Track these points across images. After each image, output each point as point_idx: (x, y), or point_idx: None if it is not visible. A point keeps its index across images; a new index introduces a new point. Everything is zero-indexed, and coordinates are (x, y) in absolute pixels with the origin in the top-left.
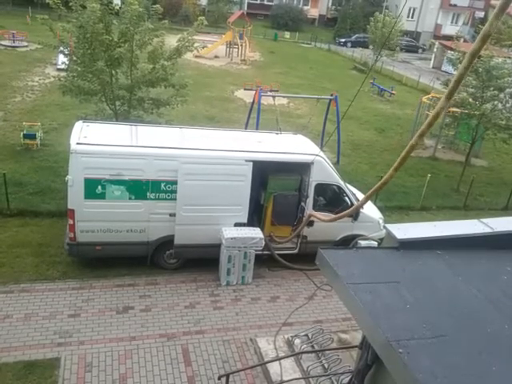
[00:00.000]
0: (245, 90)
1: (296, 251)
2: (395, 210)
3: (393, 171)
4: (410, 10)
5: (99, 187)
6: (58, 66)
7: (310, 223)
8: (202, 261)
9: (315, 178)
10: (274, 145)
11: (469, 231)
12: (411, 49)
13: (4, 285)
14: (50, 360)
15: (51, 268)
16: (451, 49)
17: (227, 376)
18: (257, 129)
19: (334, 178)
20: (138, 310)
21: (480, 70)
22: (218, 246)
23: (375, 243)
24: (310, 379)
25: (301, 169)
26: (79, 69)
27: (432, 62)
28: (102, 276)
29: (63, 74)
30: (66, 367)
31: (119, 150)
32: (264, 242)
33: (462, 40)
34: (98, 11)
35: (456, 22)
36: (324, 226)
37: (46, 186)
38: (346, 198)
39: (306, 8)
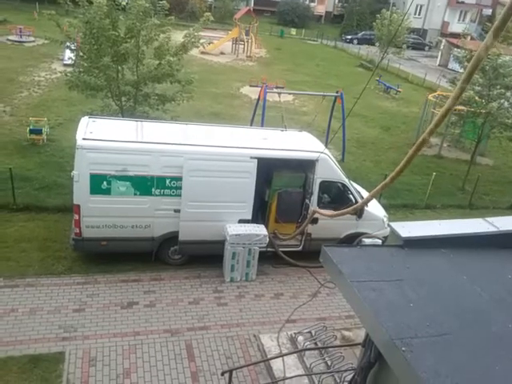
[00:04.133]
0: (250, 86)
1: (300, 248)
2: (400, 208)
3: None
4: (417, 7)
5: (105, 183)
6: (65, 62)
7: (315, 220)
8: (206, 257)
9: (320, 175)
10: (279, 142)
11: (474, 230)
12: (418, 46)
13: (10, 279)
14: (55, 354)
15: (56, 263)
16: (458, 46)
17: (230, 372)
18: (262, 125)
19: (339, 175)
20: (142, 306)
21: (487, 68)
22: (222, 243)
23: (379, 241)
24: (313, 376)
25: (305, 166)
26: (86, 64)
27: (438, 59)
28: (107, 271)
29: (70, 69)
30: (70, 361)
31: (125, 146)
32: (268, 239)
33: (469, 38)
34: (104, 7)
35: (463, 20)
36: (328, 223)
37: (52, 181)
38: (351, 196)
39: (312, 5)
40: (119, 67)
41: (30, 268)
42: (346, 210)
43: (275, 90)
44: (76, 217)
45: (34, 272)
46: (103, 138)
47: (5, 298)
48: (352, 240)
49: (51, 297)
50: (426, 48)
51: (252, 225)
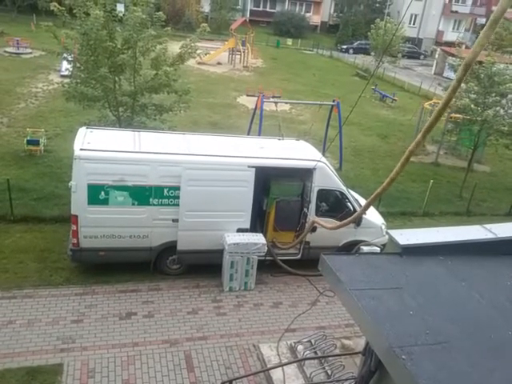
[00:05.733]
0: (247, 96)
1: (299, 257)
2: (398, 215)
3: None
4: (411, 16)
5: (102, 193)
6: (62, 73)
7: (313, 229)
8: (204, 266)
9: (318, 183)
10: (277, 151)
11: (472, 237)
12: (413, 55)
13: (7, 290)
14: (53, 366)
15: (54, 274)
16: (453, 55)
17: (230, 382)
18: (259, 135)
19: (337, 183)
20: (140, 316)
21: (482, 76)
22: (220, 252)
23: (378, 249)
24: None
25: (303, 174)
26: (83, 75)
27: (434, 68)
28: (105, 282)
29: (67, 80)
30: (68, 373)
31: (122, 156)
32: (267, 248)
33: (463, 46)
34: (101, 18)
35: (457, 29)
36: (326, 231)
37: (50, 192)
38: (349, 204)
39: (308, 15)
40: (116, 78)
41: (28, 279)
42: (345, 221)
43: (272, 99)
44: (74, 227)
45: (31, 283)
46: (101, 148)
47: (2, 310)
48: (351, 248)
49: (49, 308)
50: (421, 57)
51: (250, 234)
